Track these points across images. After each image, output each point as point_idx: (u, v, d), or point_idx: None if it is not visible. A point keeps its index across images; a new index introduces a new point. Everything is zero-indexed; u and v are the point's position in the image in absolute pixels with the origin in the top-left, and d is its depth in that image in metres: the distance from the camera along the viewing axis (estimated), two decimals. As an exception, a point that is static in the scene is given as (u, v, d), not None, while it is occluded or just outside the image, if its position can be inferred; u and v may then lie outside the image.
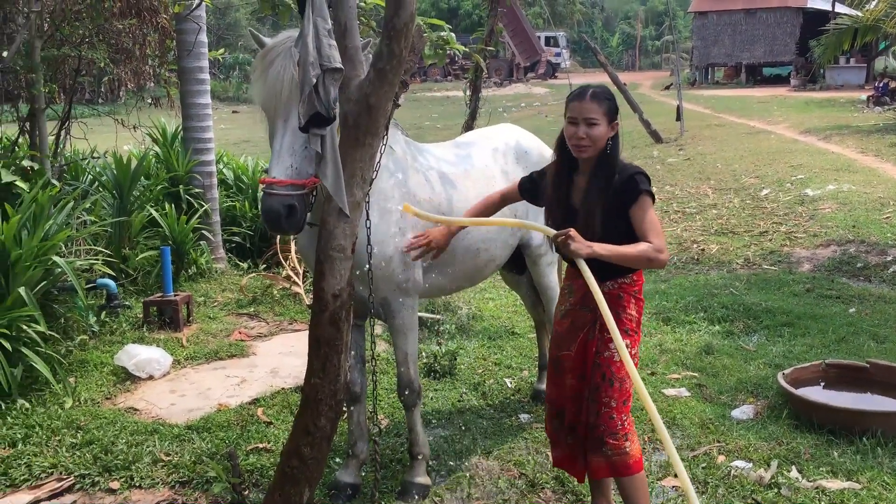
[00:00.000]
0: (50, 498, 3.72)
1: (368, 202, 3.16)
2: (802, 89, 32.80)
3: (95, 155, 8.30)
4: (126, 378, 5.19)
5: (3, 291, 4.72)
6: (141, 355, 5.28)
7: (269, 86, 3.03)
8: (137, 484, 3.85)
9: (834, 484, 3.72)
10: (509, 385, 5.15)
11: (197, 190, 7.73)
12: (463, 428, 4.50)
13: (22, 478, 3.87)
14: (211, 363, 5.61)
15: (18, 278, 4.76)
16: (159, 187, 7.53)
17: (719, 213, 10.51)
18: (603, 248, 2.96)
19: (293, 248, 7.28)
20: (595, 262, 2.97)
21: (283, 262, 7.35)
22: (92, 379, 5.10)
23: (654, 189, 3.14)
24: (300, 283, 7.00)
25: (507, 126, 4.64)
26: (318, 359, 2.94)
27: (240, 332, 6.21)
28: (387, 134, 3.27)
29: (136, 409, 4.77)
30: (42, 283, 5.06)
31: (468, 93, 8.95)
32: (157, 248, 6.86)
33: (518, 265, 4.61)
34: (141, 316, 6.20)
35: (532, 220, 4.31)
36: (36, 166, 6.44)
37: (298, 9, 2.88)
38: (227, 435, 4.36)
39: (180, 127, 8.07)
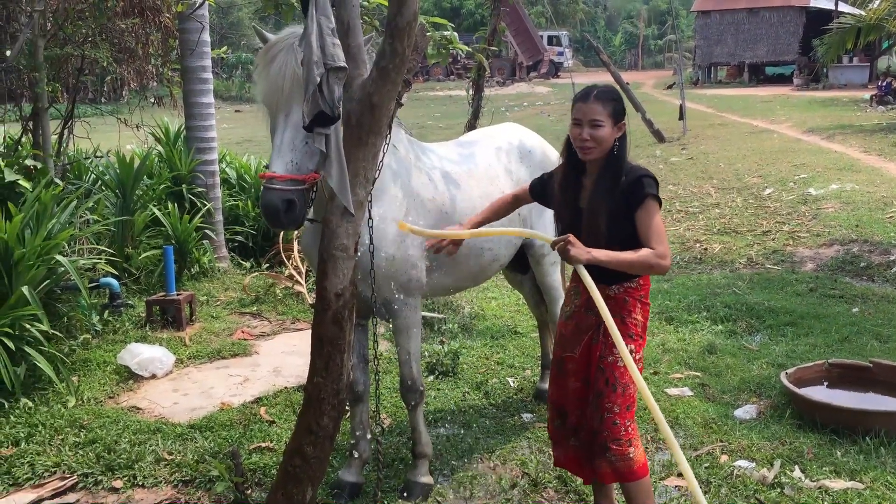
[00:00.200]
0: (53, 496, 3.73)
1: (371, 201, 3.15)
2: (805, 88, 32.76)
3: (98, 154, 8.32)
4: (129, 377, 5.19)
5: (7, 290, 4.73)
6: (144, 354, 5.29)
7: (270, 81, 3.02)
8: (140, 483, 3.86)
9: (837, 484, 3.71)
10: (512, 384, 5.14)
11: (200, 189, 7.74)
12: (466, 427, 4.50)
13: (25, 476, 3.88)
14: (214, 362, 5.61)
15: (21, 277, 4.77)
16: (162, 186, 7.54)
17: (722, 213, 10.50)
18: (603, 255, 2.92)
19: (296, 247, 7.29)
20: (600, 266, 2.96)
21: (286, 262, 7.35)
22: (95, 378, 5.11)
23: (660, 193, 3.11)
24: (303, 282, 7.00)
25: (510, 125, 4.63)
26: (321, 358, 2.94)
27: (242, 332, 6.22)
28: (390, 133, 3.27)
29: (138, 408, 4.78)
30: (45, 283, 5.07)
31: (471, 92, 8.94)
32: (159, 248, 6.87)
33: (521, 265, 4.61)
34: (144, 315, 6.21)
35: (536, 220, 4.33)
36: (39, 165, 6.45)
37: (302, 8, 2.87)
38: (229, 434, 4.36)
39: (183, 126, 8.07)
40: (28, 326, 4.65)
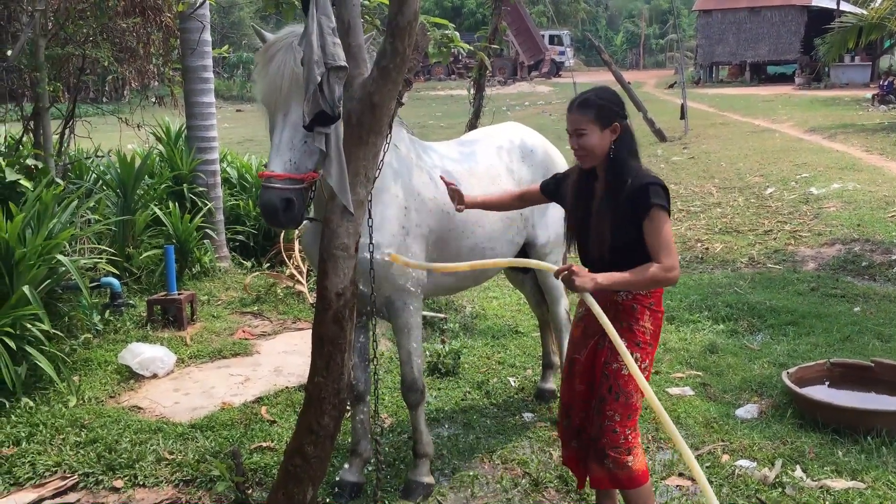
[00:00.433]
0: (54, 496, 3.73)
1: (371, 201, 3.15)
2: (807, 88, 32.75)
3: (99, 154, 8.32)
4: (130, 377, 5.19)
5: (8, 290, 4.73)
6: (145, 354, 5.29)
7: (269, 80, 3.02)
8: (141, 482, 3.86)
9: (838, 483, 3.71)
10: (513, 384, 5.14)
11: (201, 189, 7.74)
12: (467, 427, 4.49)
13: (26, 476, 3.88)
14: (215, 362, 5.61)
15: (22, 277, 4.77)
16: (163, 186, 7.54)
17: (723, 212, 10.49)
18: (607, 279, 2.89)
19: (297, 246, 7.29)
20: (609, 269, 2.94)
21: (287, 261, 7.35)
22: (96, 377, 5.10)
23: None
24: (304, 281, 7.00)
25: (511, 124, 4.63)
26: (322, 357, 2.94)
27: (243, 331, 6.22)
28: (390, 132, 3.27)
29: (139, 408, 4.78)
30: (46, 282, 5.07)
31: (472, 91, 8.94)
32: (160, 247, 6.87)
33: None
34: (145, 314, 6.21)
35: (538, 220, 4.32)
36: (40, 165, 6.45)
37: (302, 7, 2.87)
38: (230, 433, 4.36)
39: (184, 126, 8.07)
40: (29, 326, 4.65)
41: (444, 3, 52.08)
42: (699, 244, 8.96)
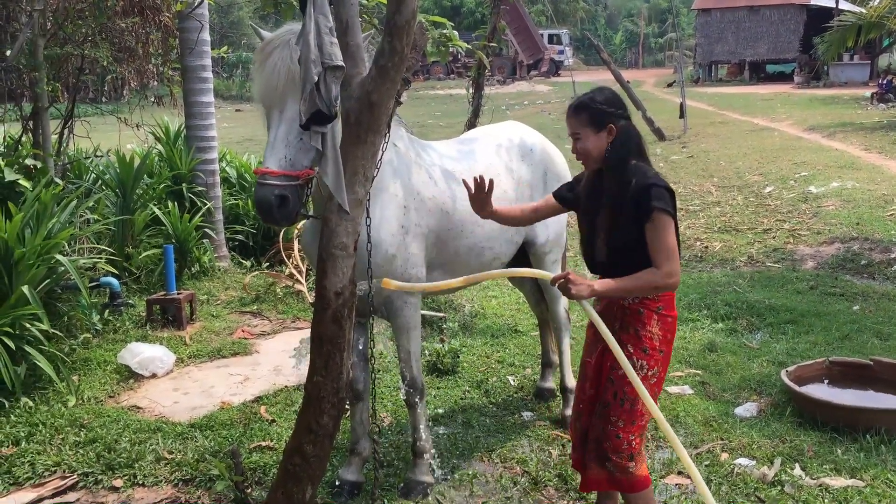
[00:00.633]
0: (53, 496, 3.73)
1: (369, 200, 3.15)
2: (806, 86, 32.75)
3: (98, 153, 8.32)
4: (129, 376, 5.19)
5: (7, 290, 4.73)
6: (144, 353, 5.29)
7: (266, 77, 3.02)
8: (140, 482, 3.86)
9: (837, 482, 3.71)
10: (512, 383, 5.14)
11: (200, 188, 7.74)
12: (466, 426, 4.49)
13: (26, 476, 3.88)
14: (214, 361, 5.61)
15: (22, 277, 4.77)
16: (162, 186, 7.54)
17: (723, 211, 10.50)
18: (604, 286, 2.87)
19: (296, 245, 7.29)
20: (608, 273, 2.93)
21: (286, 260, 7.35)
22: (95, 377, 5.11)
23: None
24: (303, 281, 7.00)
25: (511, 123, 4.63)
26: (321, 357, 2.94)
27: (243, 331, 6.22)
28: (389, 131, 3.27)
29: (139, 408, 4.78)
30: (45, 282, 5.07)
31: (471, 90, 8.94)
32: (160, 247, 6.87)
33: (522, 263, 4.60)
34: (144, 314, 6.21)
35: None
36: (39, 165, 6.45)
37: (300, 6, 2.87)
38: (229, 433, 4.37)
39: (183, 125, 8.07)
40: (28, 326, 4.65)
41: (443, 2, 52.03)
42: (698, 243, 8.96)
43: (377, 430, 3.71)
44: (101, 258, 6.21)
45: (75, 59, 7.44)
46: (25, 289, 4.66)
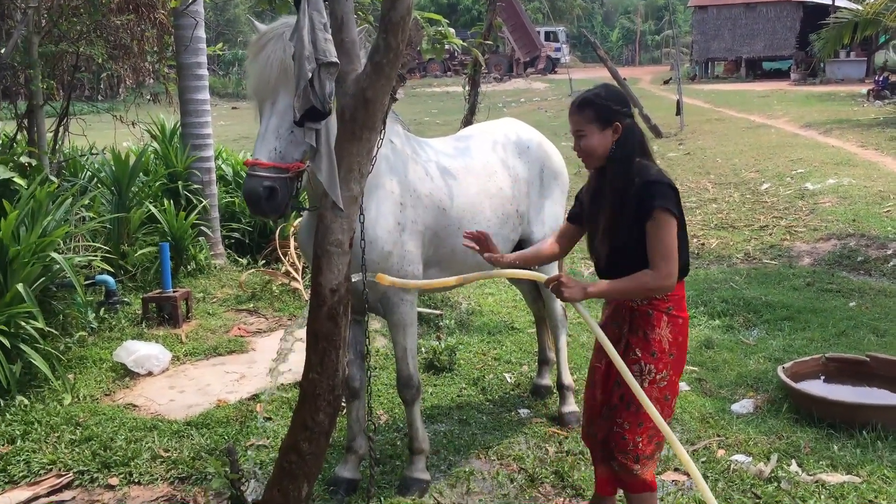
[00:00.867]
0: (49, 494, 3.72)
1: (363, 196, 3.13)
2: (803, 83, 32.72)
3: (94, 151, 8.28)
4: (125, 374, 5.18)
5: (2, 288, 4.72)
6: (140, 351, 5.28)
7: (258, 69, 3.01)
8: (136, 480, 3.85)
9: (834, 478, 3.71)
10: (509, 380, 5.14)
11: (196, 186, 7.72)
12: (462, 423, 4.49)
13: (21, 474, 3.88)
14: (210, 359, 5.60)
15: (17, 275, 4.75)
16: (158, 183, 7.52)
17: (719, 208, 10.50)
18: (597, 289, 2.86)
19: (292, 243, 7.27)
20: (611, 275, 2.91)
21: (283, 258, 7.34)
22: (91, 375, 5.09)
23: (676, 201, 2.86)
24: (299, 278, 6.99)
25: (508, 120, 4.62)
26: (316, 354, 2.93)
27: (239, 328, 6.21)
28: (384, 128, 3.26)
29: (135, 406, 4.77)
30: (40, 280, 5.05)
31: (467, 88, 8.93)
32: (155, 245, 6.85)
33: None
34: (140, 312, 6.19)
35: (534, 217, 4.31)
36: (34, 163, 6.43)
37: (294, 2, 2.86)
38: (225, 431, 4.36)
39: (179, 123, 8.05)
40: (23, 324, 4.64)
41: (440, -1, 51.97)
42: (695, 240, 8.97)
43: (373, 427, 3.70)
44: (96, 256, 6.20)
45: (70, 57, 7.41)
46: (20, 287, 4.65)
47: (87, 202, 6.70)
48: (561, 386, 4.58)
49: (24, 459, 3.99)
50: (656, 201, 2.80)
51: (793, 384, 4.46)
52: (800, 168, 12.32)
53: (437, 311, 6.33)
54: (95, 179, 7.53)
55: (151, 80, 9.18)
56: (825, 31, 22.56)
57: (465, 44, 5.70)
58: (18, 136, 7.09)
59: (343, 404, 3.59)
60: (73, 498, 3.73)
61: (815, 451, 4.00)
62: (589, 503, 3.42)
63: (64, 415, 4.47)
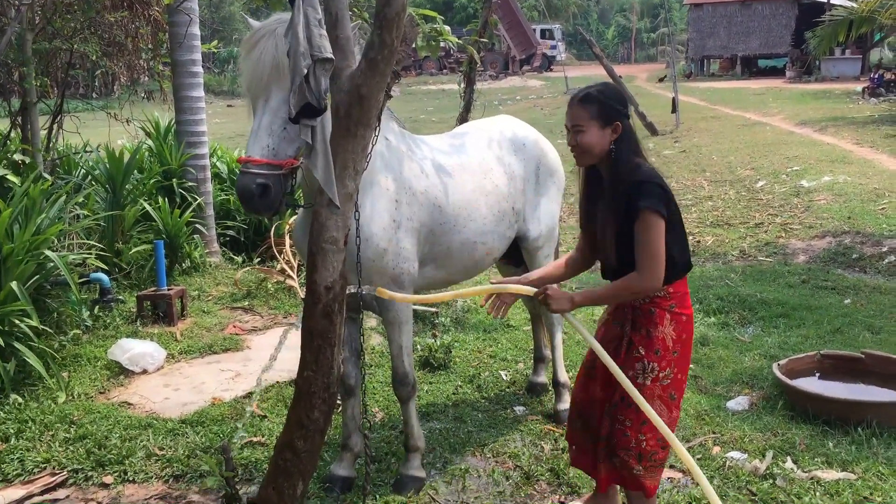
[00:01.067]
0: (43, 492, 3.71)
1: (360, 192, 3.13)
2: (798, 81, 32.78)
3: (88, 149, 8.26)
4: (120, 372, 5.17)
5: (-5, 286, 4.70)
6: (135, 349, 5.26)
7: (251, 66, 3.00)
8: (131, 478, 3.84)
9: (829, 474, 3.72)
10: (504, 378, 5.14)
11: (190, 183, 7.70)
12: (458, 421, 4.49)
13: (15, 473, 3.86)
14: (205, 357, 5.59)
15: (10, 272, 4.74)
16: (152, 181, 7.50)
17: (715, 205, 10.51)
18: (584, 297, 2.88)
19: (287, 241, 7.26)
20: (618, 275, 2.90)
21: (278, 256, 7.32)
22: (85, 373, 5.08)
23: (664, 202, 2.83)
24: (294, 276, 6.98)
25: (503, 117, 4.60)
26: (311, 351, 2.92)
27: (234, 326, 6.19)
28: (379, 125, 3.25)
29: (129, 404, 4.76)
30: (34, 278, 5.03)
31: (463, 86, 8.91)
32: (150, 242, 6.84)
33: (515, 257, 4.58)
34: (134, 310, 6.18)
35: (530, 215, 4.30)
36: (28, 160, 6.41)
37: (289, -1, 2.84)
38: (220, 429, 4.35)
39: (173, 120, 8.03)
40: (17, 322, 4.62)
41: (436, -4, 51.90)
42: (690, 237, 8.96)
43: (369, 425, 3.70)
44: (90, 254, 6.18)
45: (64, 54, 7.40)
46: (14, 285, 4.63)
47: (81, 200, 6.67)
48: (556, 383, 4.58)
49: (18, 458, 3.97)
50: (642, 201, 2.78)
51: (788, 381, 4.47)
52: (795, 165, 12.34)
53: (433, 309, 6.32)
54: (90, 177, 7.50)
55: (146, 78, 9.17)
56: (820, 28, 22.60)
57: (460, 41, 5.68)
58: (12, 134, 7.08)
59: (338, 402, 3.58)
60: (68, 496, 3.71)
61: (810, 447, 4.00)
62: (587, 500, 3.41)
63: (58, 413, 4.45)
